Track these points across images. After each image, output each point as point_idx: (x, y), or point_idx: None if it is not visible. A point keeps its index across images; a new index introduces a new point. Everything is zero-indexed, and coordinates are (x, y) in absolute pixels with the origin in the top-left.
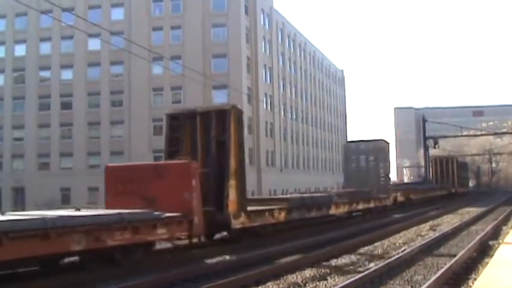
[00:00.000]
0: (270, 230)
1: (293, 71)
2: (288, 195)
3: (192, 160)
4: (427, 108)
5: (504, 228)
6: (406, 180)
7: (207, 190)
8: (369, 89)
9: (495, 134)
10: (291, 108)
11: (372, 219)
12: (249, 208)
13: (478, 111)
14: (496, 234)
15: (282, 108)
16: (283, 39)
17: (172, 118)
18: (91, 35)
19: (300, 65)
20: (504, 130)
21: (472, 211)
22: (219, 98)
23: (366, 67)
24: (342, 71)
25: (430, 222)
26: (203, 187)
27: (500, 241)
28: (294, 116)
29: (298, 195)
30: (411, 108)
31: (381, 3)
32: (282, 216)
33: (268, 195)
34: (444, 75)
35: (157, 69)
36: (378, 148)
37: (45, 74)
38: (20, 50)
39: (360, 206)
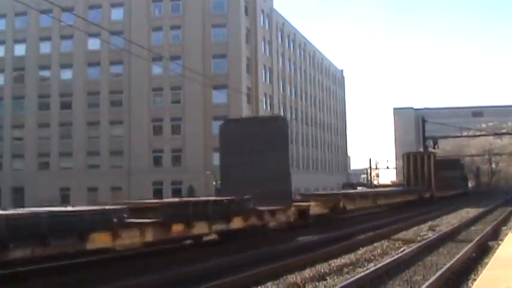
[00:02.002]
0: None
1: (293, 71)
2: None
3: None
4: (427, 108)
5: (504, 228)
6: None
7: None
8: (368, 89)
9: (495, 134)
10: (291, 108)
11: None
12: None
13: (478, 112)
14: (495, 235)
15: (282, 108)
16: (283, 39)
17: None
18: (91, 35)
19: (299, 65)
20: (504, 131)
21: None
22: (218, 98)
23: (366, 67)
24: (342, 71)
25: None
26: None
27: (500, 242)
28: (294, 117)
29: None
30: (411, 108)
31: (381, 3)
32: None
33: None
34: (444, 75)
35: (157, 69)
36: (271, 130)
37: (44, 73)
38: (19, 50)
39: (201, 229)
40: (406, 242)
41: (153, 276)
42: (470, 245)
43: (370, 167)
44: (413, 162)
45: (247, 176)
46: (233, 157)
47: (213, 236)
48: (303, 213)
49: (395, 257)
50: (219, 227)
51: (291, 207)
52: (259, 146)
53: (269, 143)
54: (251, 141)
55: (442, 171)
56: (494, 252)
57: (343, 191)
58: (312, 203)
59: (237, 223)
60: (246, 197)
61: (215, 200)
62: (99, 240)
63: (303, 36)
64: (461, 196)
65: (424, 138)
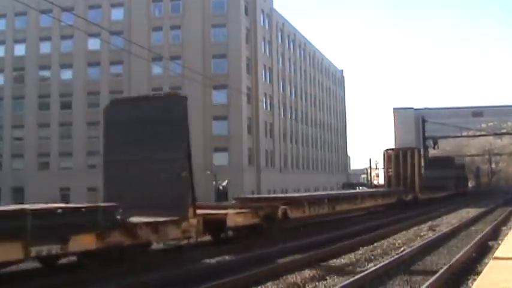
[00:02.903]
0: None
1: (293, 71)
2: None
3: None
4: (427, 108)
5: (504, 228)
6: None
7: None
8: (368, 89)
9: (495, 134)
10: (291, 108)
11: None
12: None
13: (478, 112)
14: (495, 235)
15: (282, 108)
16: (283, 39)
17: None
18: (91, 35)
19: (299, 65)
20: (504, 131)
21: None
22: (218, 98)
23: (366, 67)
24: (342, 71)
25: None
26: None
27: (500, 242)
28: (294, 116)
29: None
30: (411, 108)
31: (381, 4)
32: None
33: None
34: (444, 75)
35: (156, 69)
36: (164, 113)
37: (44, 73)
38: (19, 50)
39: (7, 254)
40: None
41: None
42: (470, 245)
43: (370, 167)
44: (395, 161)
45: (133, 176)
46: (118, 150)
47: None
48: (216, 224)
49: None
50: (47, 249)
51: (187, 217)
52: (148, 135)
53: (161, 131)
54: (139, 128)
55: (432, 171)
56: (494, 252)
57: (285, 195)
58: (231, 211)
59: (83, 243)
60: (106, 204)
61: (38, 210)
62: None
63: (303, 36)
64: (454, 198)
65: (424, 138)
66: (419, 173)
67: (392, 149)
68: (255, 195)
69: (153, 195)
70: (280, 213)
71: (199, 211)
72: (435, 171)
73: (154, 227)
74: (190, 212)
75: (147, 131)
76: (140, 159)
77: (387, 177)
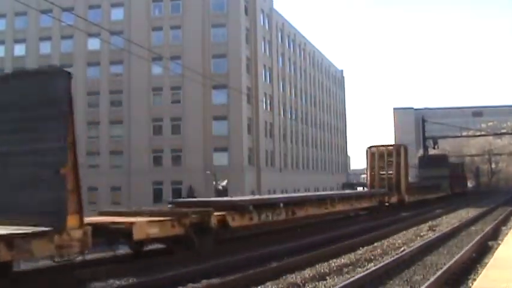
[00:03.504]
0: None
1: (293, 71)
2: None
3: None
4: (427, 108)
5: (504, 228)
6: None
7: None
8: (368, 90)
9: (494, 134)
10: (291, 108)
11: None
12: None
13: (478, 112)
14: (495, 235)
15: (282, 108)
16: (283, 39)
17: None
18: (91, 35)
19: (299, 65)
20: (503, 131)
21: None
22: (218, 98)
23: (366, 67)
24: (342, 71)
25: None
26: None
27: (500, 242)
28: (294, 116)
29: None
30: (411, 108)
31: (381, 4)
32: None
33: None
34: (444, 75)
35: (156, 69)
36: (38, 95)
37: None
38: (19, 50)
39: None
40: None
41: None
42: (470, 245)
43: None
44: (379, 159)
45: (3, 175)
46: None
47: None
48: (121, 236)
49: None
50: None
51: (65, 228)
52: (18, 120)
53: (35, 116)
54: (7, 112)
55: (424, 170)
56: (494, 252)
57: (226, 198)
58: (141, 220)
59: None
60: None
61: None
62: None
63: (303, 36)
64: (451, 199)
65: (424, 138)
66: (406, 172)
67: (375, 146)
68: (193, 199)
69: (23, 198)
70: (213, 221)
71: (97, 219)
72: (428, 171)
73: (7, 242)
74: (71, 220)
75: (18, 116)
76: (7, 152)
77: (370, 178)
